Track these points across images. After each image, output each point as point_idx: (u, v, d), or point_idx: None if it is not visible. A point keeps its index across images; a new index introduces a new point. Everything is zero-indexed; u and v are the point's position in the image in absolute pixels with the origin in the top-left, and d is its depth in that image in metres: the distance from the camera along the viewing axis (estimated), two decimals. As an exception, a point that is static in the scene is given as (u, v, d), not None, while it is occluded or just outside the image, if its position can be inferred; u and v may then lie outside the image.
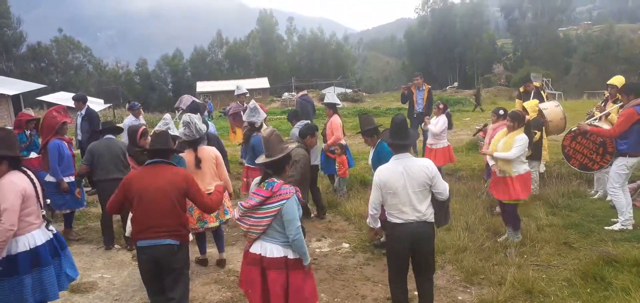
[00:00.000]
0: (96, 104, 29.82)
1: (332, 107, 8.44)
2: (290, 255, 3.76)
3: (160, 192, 3.97)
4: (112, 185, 5.40)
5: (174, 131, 5.05)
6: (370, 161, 6.14)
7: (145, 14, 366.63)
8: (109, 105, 30.90)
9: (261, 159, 3.88)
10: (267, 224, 3.69)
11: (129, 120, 9.24)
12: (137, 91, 65.56)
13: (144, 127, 5.56)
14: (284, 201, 3.65)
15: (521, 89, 9.74)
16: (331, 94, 8.87)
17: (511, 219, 6.32)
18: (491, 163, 6.47)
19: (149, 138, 5.52)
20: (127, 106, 12.57)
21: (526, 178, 6.11)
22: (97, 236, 7.16)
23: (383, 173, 4.21)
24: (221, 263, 6.08)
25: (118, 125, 7.43)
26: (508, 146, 6.08)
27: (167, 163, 4.19)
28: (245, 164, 7.54)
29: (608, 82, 7.93)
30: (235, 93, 11.29)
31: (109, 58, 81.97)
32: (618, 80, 7.70)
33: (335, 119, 8.37)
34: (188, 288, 4.36)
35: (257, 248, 3.78)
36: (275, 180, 3.75)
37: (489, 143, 7.28)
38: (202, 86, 57.79)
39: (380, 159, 5.65)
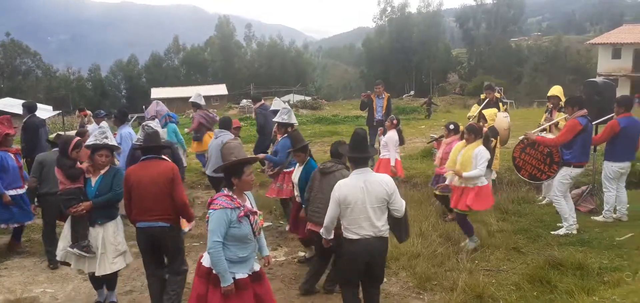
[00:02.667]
0: (45, 110, 28.62)
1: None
2: (214, 270, 3.71)
3: (152, 182, 4.57)
4: (58, 199, 5.23)
5: (110, 141, 4.88)
6: (296, 179, 5.92)
7: (99, 20, 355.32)
8: (58, 112, 29.77)
9: (209, 169, 3.94)
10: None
11: (92, 128, 8.91)
12: (89, 98, 63.42)
13: (77, 139, 5.33)
14: (211, 211, 3.68)
15: (482, 96, 10.03)
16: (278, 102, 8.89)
17: (462, 226, 6.46)
18: (449, 178, 6.55)
19: (82, 150, 5.35)
20: (77, 113, 12.17)
21: (484, 190, 6.23)
22: (41, 249, 6.83)
23: (343, 187, 4.18)
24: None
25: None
26: (467, 158, 6.20)
27: (158, 158, 4.77)
28: (284, 170, 7.18)
29: (548, 94, 8.34)
30: (194, 101, 10.89)
31: (60, 64, 78.91)
32: (557, 90, 8.16)
33: None
34: (184, 261, 4.96)
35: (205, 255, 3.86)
36: (224, 189, 3.78)
37: (442, 156, 7.45)
38: (157, 92, 56.41)
39: (308, 178, 5.61)
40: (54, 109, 24.72)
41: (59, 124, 22.52)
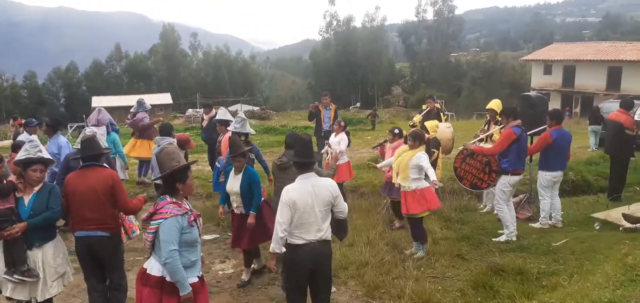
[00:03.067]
0: (-27, 119, 26.91)
1: (225, 124, 8.18)
2: (168, 278, 3.60)
3: (89, 190, 4.46)
4: None
5: (45, 154, 4.52)
6: (236, 188, 5.68)
7: (36, 25, 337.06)
8: (-12, 120, 28.00)
9: (154, 176, 3.80)
10: (151, 240, 3.63)
11: (24, 137, 8.35)
12: (24, 106, 60.12)
13: None
14: (161, 221, 3.54)
15: (424, 106, 10.31)
16: (223, 111, 8.70)
17: (417, 234, 6.59)
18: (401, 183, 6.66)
19: (5, 166, 5.06)
20: (10, 121, 11.47)
21: (420, 193, 6.38)
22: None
23: (291, 192, 4.12)
24: None
25: None
26: (404, 161, 6.37)
27: (98, 166, 4.64)
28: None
29: (487, 107, 8.72)
30: (138, 109, 10.53)
31: (-9, 70, 74.34)
32: (495, 104, 8.55)
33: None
34: (123, 275, 4.93)
35: (147, 262, 3.74)
36: (166, 197, 3.65)
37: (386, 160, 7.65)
38: (98, 101, 54.07)
39: (251, 183, 5.60)
40: (-17, 117, 23.22)
41: (-11, 133, 21.14)
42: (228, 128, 7.46)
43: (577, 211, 8.40)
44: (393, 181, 6.75)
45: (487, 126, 8.80)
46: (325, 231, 4.19)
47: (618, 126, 8.64)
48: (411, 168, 6.33)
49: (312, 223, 4.11)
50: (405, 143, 6.82)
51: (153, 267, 3.67)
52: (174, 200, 3.66)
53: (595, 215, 7.59)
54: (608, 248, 6.01)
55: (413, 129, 7.53)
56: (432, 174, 6.15)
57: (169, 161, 3.69)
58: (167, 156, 3.72)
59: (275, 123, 32.60)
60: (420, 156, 6.30)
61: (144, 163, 10.63)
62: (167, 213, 3.56)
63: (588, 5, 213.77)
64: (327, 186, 4.22)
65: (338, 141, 8.93)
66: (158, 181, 7.11)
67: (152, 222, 3.60)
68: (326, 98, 11.17)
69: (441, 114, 10.21)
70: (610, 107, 13.80)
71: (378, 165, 7.81)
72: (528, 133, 7.44)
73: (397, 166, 6.54)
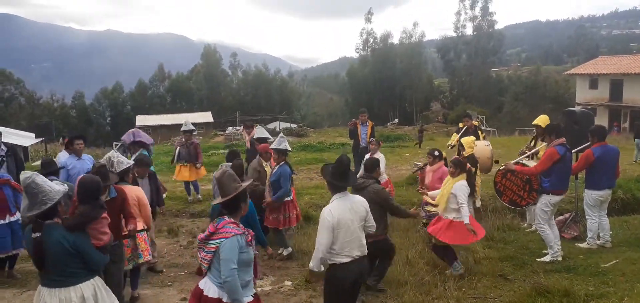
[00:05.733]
0: (27, 138, 28.29)
1: (264, 142, 8.38)
2: (225, 298, 3.63)
3: None
4: None
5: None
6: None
7: (84, 48, 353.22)
8: (41, 139, 29.41)
9: (217, 200, 3.85)
10: (210, 260, 3.65)
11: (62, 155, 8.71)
12: (73, 125, 62.71)
13: None
14: (222, 240, 3.58)
15: (460, 125, 10.17)
16: (260, 130, 8.88)
17: (442, 255, 6.47)
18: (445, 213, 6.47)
19: None
20: (60, 140, 11.98)
21: (456, 225, 6.22)
22: (21, 279, 6.68)
23: (334, 212, 4.23)
24: (133, 300, 5.93)
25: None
26: (446, 192, 6.27)
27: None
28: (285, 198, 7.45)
29: (533, 123, 8.47)
30: (182, 129, 10.99)
31: (43, 91, 78.06)
32: (542, 120, 8.24)
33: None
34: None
35: (203, 282, 3.75)
36: (225, 218, 3.70)
37: (431, 183, 7.50)
38: (142, 120, 56.15)
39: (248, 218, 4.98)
40: (37, 137, 24.43)
41: (42, 151, 22.19)
42: (272, 146, 7.63)
43: (627, 230, 8.04)
44: (433, 210, 6.63)
45: (533, 142, 8.58)
46: (365, 247, 4.36)
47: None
48: (450, 197, 6.23)
49: (355, 239, 4.27)
50: (446, 165, 6.72)
51: (210, 289, 3.67)
52: (232, 220, 3.72)
53: (647, 235, 7.25)
54: (661, 270, 5.73)
55: (455, 156, 7.36)
56: (465, 212, 6.08)
57: (232, 183, 3.80)
58: (230, 178, 3.83)
59: (313, 140, 32.77)
60: (457, 187, 6.18)
61: (189, 183, 11.04)
62: (228, 232, 3.61)
63: (635, 17, 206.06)
64: (361, 202, 4.43)
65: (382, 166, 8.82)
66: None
67: (211, 242, 3.62)
68: (363, 115, 11.22)
69: (479, 131, 10.01)
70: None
71: (429, 193, 7.18)
72: (573, 150, 7.20)
73: (440, 195, 6.46)
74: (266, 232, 7.30)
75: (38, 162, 7.38)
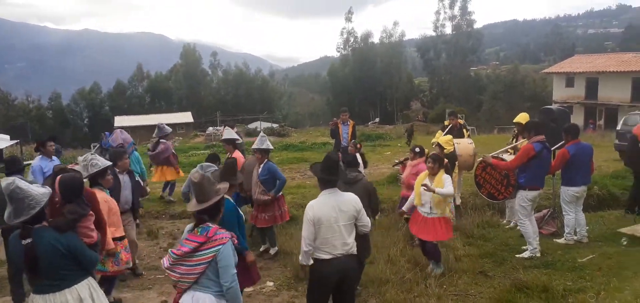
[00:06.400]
0: (1, 140, 27.61)
1: (231, 143, 8.33)
2: None
3: None
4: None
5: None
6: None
7: (60, 47, 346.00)
8: (16, 141, 28.73)
9: (192, 205, 3.69)
10: (200, 272, 3.47)
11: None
12: (49, 126, 61.47)
13: None
14: (220, 247, 3.47)
15: (446, 123, 10.26)
16: (229, 131, 8.84)
17: (433, 255, 6.51)
18: (422, 208, 6.45)
19: None
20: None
21: (448, 220, 6.35)
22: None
23: (315, 208, 4.25)
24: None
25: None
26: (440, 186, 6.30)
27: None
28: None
29: (514, 121, 8.60)
30: (159, 134, 10.78)
31: (18, 91, 76.31)
32: (522, 117, 8.39)
33: (238, 155, 8.26)
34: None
35: (187, 299, 3.53)
36: (210, 225, 3.57)
37: (408, 178, 7.54)
38: (121, 121, 55.26)
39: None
40: (12, 139, 23.86)
41: (17, 154, 21.69)
42: (254, 147, 7.54)
43: (603, 226, 8.19)
44: (415, 203, 6.62)
45: (514, 140, 8.71)
46: (351, 246, 4.32)
47: (634, 139, 8.50)
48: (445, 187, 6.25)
49: (337, 237, 4.24)
50: (426, 162, 6.77)
51: (205, 300, 3.50)
52: (218, 225, 3.63)
53: (623, 229, 7.41)
54: (636, 264, 5.86)
55: (433, 152, 7.43)
56: (444, 191, 6.13)
57: (212, 188, 3.71)
58: (210, 183, 3.74)
59: (294, 139, 32.69)
60: (446, 178, 6.24)
61: (169, 183, 10.89)
62: (223, 238, 3.51)
63: (610, 16, 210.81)
64: (351, 200, 4.37)
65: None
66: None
67: (202, 252, 3.47)
68: (344, 114, 11.22)
69: (464, 130, 10.14)
70: (636, 120, 13.52)
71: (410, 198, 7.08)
72: (551, 148, 7.31)
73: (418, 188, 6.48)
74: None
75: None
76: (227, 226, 3.81)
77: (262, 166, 7.39)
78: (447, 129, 9.97)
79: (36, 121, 61.99)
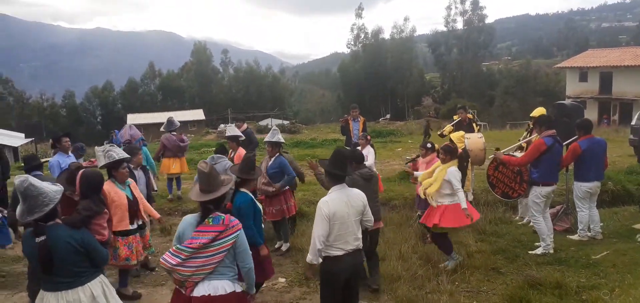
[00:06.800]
0: (16, 138, 28.02)
1: (235, 140, 8.38)
2: (237, 289, 3.70)
3: None
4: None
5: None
6: None
7: (73, 46, 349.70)
8: (31, 139, 29.14)
9: (198, 195, 3.75)
10: (219, 260, 3.55)
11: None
12: (63, 125, 62.23)
13: None
14: (238, 233, 3.62)
15: (455, 117, 10.21)
16: (232, 128, 8.88)
17: (441, 245, 6.50)
18: (431, 201, 6.52)
19: None
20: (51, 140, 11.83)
21: (452, 209, 6.29)
22: (13, 280, 6.61)
23: (330, 204, 4.21)
24: (134, 297, 5.97)
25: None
26: (438, 177, 6.30)
27: None
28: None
29: (531, 115, 8.50)
30: (169, 128, 10.86)
31: (33, 90, 77.37)
32: (539, 111, 8.27)
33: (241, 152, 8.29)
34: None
35: (203, 290, 3.57)
36: (220, 214, 3.65)
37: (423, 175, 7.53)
38: (133, 118, 55.71)
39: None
40: (26, 137, 24.20)
41: (32, 151, 21.98)
42: (266, 139, 7.62)
43: (617, 222, 8.11)
44: (419, 193, 6.66)
45: (528, 134, 8.65)
46: (360, 241, 4.36)
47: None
48: (443, 184, 6.26)
49: (350, 232, 4.25)
50: (438, 156, 6.75)
51: (224, 287, 3.61)
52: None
53: (637, 226, 7.32)
54: (651, 261, 5.79)
55: (445, 143, 7.42)
56: (462, 197, 6.17)
57: (218, 178, 3.80)
58: (217, 174, 3.83)
59: (305, 136, 32.75)
60: (449, 173, 6.23)
61: (171, 181, 10.99)
62: (237, 224, 3.67)
63: (624, 9, 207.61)
64: (359, 195, 4.39)
65: (366, 154, 8.90)
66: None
67: (221, 240, 3.55)
68: (354, 110, 11.21)
69: (474, 124, 10.08)
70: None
71: (416, 174, 7.52)
72: (564, 143, 7.24)
73: (427, 179, 6.49)
74: None
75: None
76: (243, 219, 3.90)
77: (273, 159, 7.41)
78: (455, 123, 9.95)
79: (50, 119, 62.95)
